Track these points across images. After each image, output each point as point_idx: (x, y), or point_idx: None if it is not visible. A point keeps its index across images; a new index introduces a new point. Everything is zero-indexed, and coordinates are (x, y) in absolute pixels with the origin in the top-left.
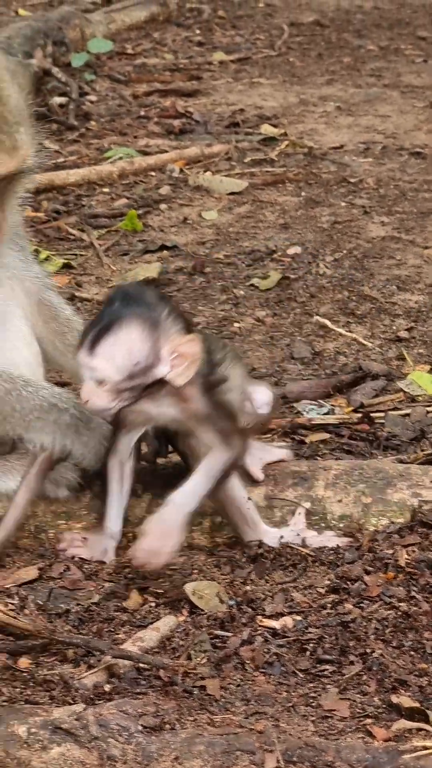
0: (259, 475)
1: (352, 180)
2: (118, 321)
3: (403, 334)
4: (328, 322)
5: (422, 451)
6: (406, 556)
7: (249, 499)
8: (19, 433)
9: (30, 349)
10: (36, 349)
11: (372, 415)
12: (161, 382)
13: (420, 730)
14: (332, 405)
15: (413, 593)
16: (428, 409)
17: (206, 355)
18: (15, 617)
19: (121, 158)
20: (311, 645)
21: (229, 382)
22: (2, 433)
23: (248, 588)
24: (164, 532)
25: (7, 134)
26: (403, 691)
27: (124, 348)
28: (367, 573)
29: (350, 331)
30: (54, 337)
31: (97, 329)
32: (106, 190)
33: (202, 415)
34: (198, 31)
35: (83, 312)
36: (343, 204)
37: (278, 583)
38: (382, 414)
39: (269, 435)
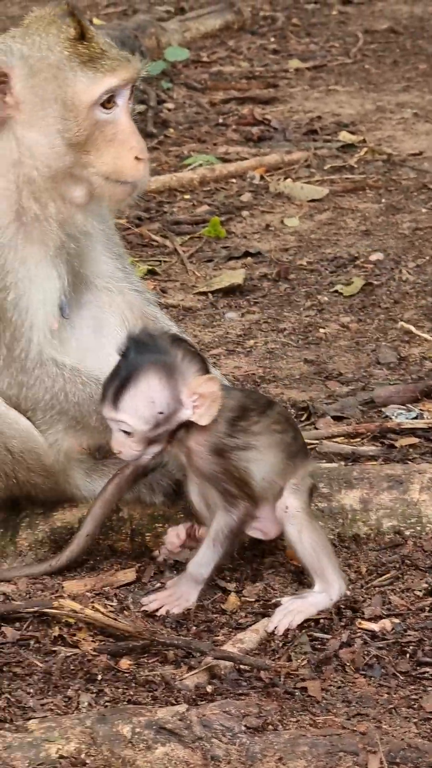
0: None
1: None
2: (135, 372)
3: None
4: (412, 328)
5: None
6: None
7: None
8: None
9: None
10: None
11: None
12: (188, 424)
13: None
14: (420, 410)
15: None
16: None
17: (230, 415)
18: (115, 619)
19: (201, 165)
20: (411, 647)
21: (254, 452)
22: (104, 442)
23: (346, 591)
24: (180, 595)
25: (120, 49)
26: None
27: (145, 399)
28: None
29: None
30: None
31: (117, 382)
32: (187, 196)
33: (206, 474)
34: (272, 39)
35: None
36: (423, 210)
37: (376, 587)
38: None
39: (359, 439)
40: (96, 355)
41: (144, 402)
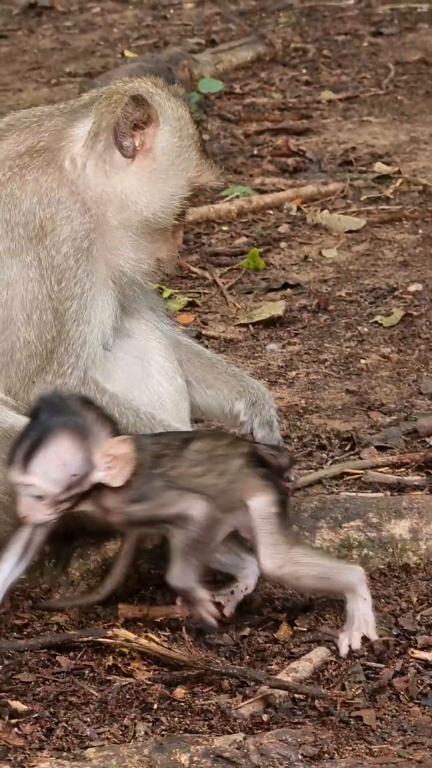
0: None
1: None
2: (47, 434)
3: None
4: None
5: None
6: None
7: None
8: None
9: (173, 384)
10: (180, 383)
11: None
12: (100, 485)
13: None
14: None
15: None
16: None
17: (144, 468)
18: (169, 648)
19: (238, 196)
20: None
21: (175, 491)
22: None
23: (399, 620)
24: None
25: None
26: None
27: (58, 462)
28: None
29: None
30: (201, 370)
31: (28, 445)
32: (225, 228)
33: (139, 522)
34: (304, 71)
35: (210, 350)
36: None
37: (427, 616)
38: None
39: (403, 469)
40: (145, 385)
41: (56, 464)
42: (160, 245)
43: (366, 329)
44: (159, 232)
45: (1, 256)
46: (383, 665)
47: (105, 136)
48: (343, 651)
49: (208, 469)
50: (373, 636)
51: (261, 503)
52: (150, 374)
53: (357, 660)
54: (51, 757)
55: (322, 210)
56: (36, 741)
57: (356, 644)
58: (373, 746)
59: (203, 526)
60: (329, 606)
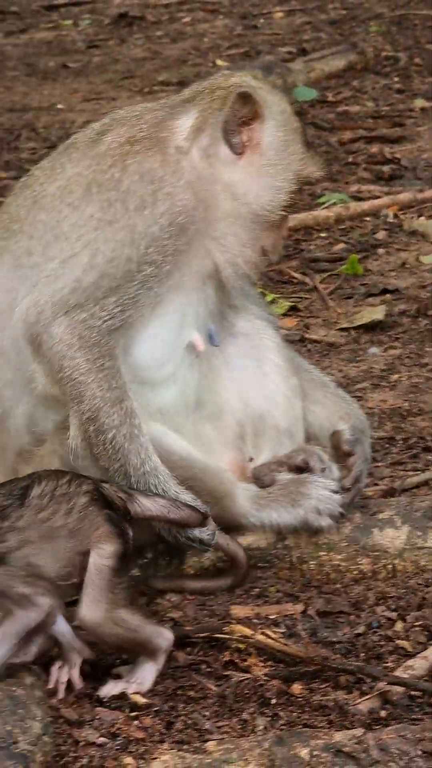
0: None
1: None
2: None
3: None
4: None
5: None
6: None
7: None
8: None
9: (287, 382)
10: (294, 382)
11: None
12: None
13: None
14: None
15: None
16: None
17: None
18: (286, 644)
19: (335, 203)
20: None
21: (30, 547)
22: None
23: None
24: None
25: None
26: None
27: None
28: None
29: None
30: (310, 386)
31: None
32: (323, 234)
33: None
34: (396, 79)
35: (314, 353)
36: None
37: None
38: None
39: None
40: (259, 384)
41: None
42: (265, 234)
43: None
44: (266, 223)
45: (92, 222)
46: None
47: (210, 132)
48: (104, 692)
49: (54, 510)
50: (137, 696)
51: (100, 553)
52: (265, 373)
53: None
54: (172, 749)
55: (418, 217)
56: (156, 734)
57: (116, 693)
58: None
59: (43, 616)
60: None
